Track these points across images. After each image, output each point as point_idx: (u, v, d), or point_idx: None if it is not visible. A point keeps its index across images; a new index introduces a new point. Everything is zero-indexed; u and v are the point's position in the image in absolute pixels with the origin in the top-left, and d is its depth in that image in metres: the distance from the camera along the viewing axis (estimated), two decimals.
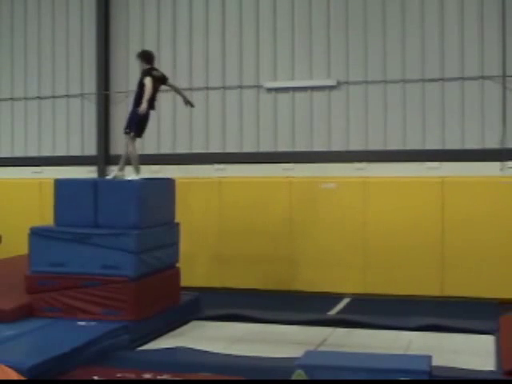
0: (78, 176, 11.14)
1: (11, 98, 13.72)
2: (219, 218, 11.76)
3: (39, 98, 13.56)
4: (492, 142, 11.15)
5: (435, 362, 6.26)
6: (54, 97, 13.44)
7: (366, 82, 11.74)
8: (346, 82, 11.85)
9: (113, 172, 9.78)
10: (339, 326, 8.96)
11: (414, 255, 10.94)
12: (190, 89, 12.53)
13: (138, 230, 8.34)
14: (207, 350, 7.65)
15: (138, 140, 12.78)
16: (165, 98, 12.66)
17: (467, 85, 11.27)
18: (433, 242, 10.91)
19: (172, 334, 8.74)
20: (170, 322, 8.93)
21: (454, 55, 11.33)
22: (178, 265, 9.49)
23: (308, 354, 6.50)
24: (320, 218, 11.45)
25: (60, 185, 8.81)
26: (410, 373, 5.79)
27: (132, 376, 6.52)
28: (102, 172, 12.91)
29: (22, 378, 5.55)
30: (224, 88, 12.44)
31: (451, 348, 7.92)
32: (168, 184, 9.47)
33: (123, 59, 12.98)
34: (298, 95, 12.08)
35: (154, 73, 9.28)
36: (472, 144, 11.26)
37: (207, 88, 12.51)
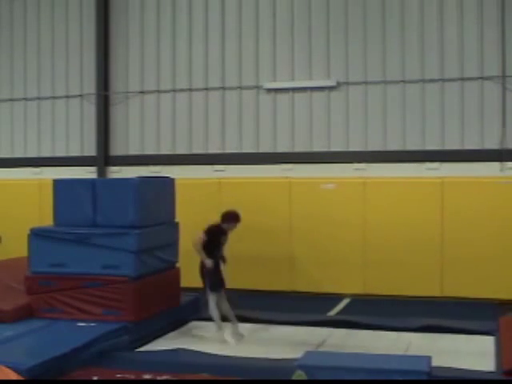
0: (77, 177, 11.12)
1: (11, 99, 13.73)
2: (219, 218, 11.73)
3: (39, 98, 13.55)
4: (492, 143, 11.15)
5: (435, 362, 6.25)
6: (53, 97, 13.44)
7: (366, 83, 11.74)
8: (346, 83, 11.84)
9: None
10: (339, 327, 8.96)
11: (414, 255, 10.94)
12: (190, 89, 12.55)
13: (138, 230, 8.32)
14: (207, 350, 7.64)
15: (138, 141, 12.97)
16: (165, 98, 12.71)
17: (467, 85, 11.28)
18: (432, 242, 10.91)
19: (171, 334, 8.74)
20: (170, 323, 8.92)
21: (454, 55, 11.33)
22: (177, 265, 9.48)
23: (308, 354, 6.49)
24: (320, 218, 11.45)
25: (59, 185, 8.78)
26: (409, 373, 5.79)
27: (132, 377, 6.52)
28: (102, 173, 12.92)
29: (21, 378, 5.54)
30: (224, 89, 12.43)
31: (451, 348, 7.91)
32: (167, 183, 9.43)
33: (123, 60, 12.98)
34: (298, 96, 12.08)
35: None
36: (472, 144, 11.26)
37: (207, 88, 12.51)
